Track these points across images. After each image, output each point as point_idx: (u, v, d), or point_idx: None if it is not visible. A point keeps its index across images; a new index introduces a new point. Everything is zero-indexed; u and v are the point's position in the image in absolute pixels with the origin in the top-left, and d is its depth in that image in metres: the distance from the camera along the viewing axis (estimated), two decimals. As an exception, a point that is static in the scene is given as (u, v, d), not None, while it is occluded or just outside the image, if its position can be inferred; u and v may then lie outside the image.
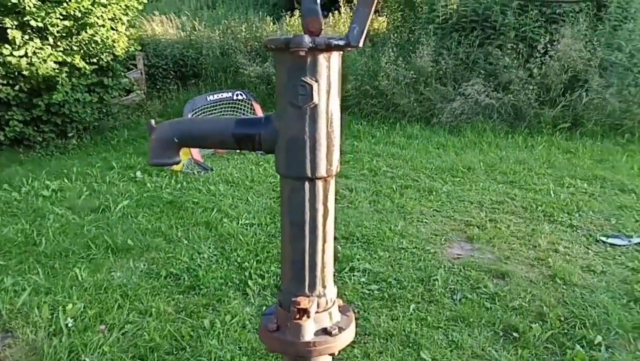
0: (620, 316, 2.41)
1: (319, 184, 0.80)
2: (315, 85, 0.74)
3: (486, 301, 2.62)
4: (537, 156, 5.07)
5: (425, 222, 3.68)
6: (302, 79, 0.74)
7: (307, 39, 0.71)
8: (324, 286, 0.85)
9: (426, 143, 5.86)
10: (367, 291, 2.73)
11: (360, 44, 0.75)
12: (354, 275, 2.90)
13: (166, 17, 10.55)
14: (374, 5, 0.73)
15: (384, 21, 9.57)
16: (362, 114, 7.14)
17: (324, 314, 0.85)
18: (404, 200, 4.10)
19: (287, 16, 10.38)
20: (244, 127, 0.83)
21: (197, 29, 9.91)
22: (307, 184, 0.79)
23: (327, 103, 0.77)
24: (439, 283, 2.77)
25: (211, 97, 5.78)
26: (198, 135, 0.86)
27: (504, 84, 6.33)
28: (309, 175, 0.78)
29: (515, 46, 6.34)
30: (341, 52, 0.79)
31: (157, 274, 2.93)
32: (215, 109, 5.74)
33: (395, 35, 8.05)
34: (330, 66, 0.76)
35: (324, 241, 0.83)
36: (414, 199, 4.12)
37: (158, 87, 8.76)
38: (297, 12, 10.57)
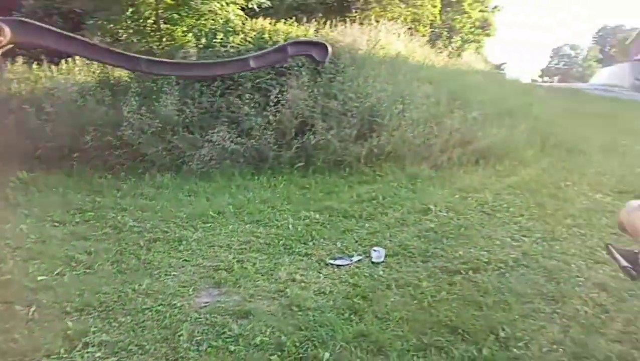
0: (343, 329, 2.74)
1: None
2: None
3: (231, 344, 2.65)
4: (279, 194, 5.54)
5: (174, 275, 3.57)
6: None
7: None
8: None
9: (177, 191, 5.78)
10: (103, 366, 2.46)
11: None
12: (87, 352, 2.58)
13: None
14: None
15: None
16: (106, 167, 6.64)
17: None
18: (151, 255, 3.91)
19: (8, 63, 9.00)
20: None
21: None
22: None
23: None
24: (184, 338, 2.69)
25: None
26: None
27: (246, 130, 6.78)
28: None
29: (252, 96, 6.90)
30: None
31: None
32: None
33: (137, 84, 7.82)
34: None
35: None
36: (163, 252, 3.97)
37: None
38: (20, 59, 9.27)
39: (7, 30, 1.35)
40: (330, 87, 7.25)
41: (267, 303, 3.10)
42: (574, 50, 73.63)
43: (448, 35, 20.12)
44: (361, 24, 11.33)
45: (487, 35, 24.85)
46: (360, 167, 6.47)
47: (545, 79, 51.99)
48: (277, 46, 1.84)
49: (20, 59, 8.83)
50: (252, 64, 1.80)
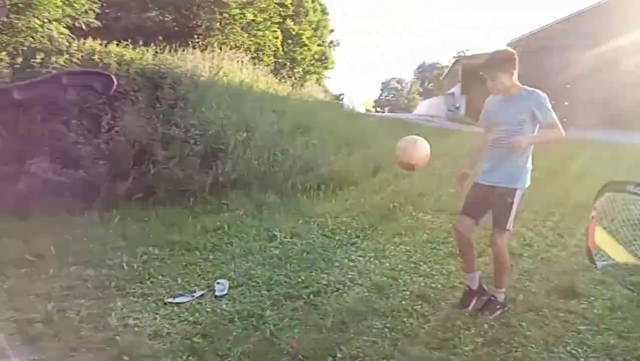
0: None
1: None
2: None
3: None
4: (112, 230, 5.07)
5: (-27, 336, 2.98)
6: None
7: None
8: None
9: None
10: None
11: None
12: None
13: None
14: None
15: None
16: None
17: None
18: (-58, 314, 3.21)
19: None
20: None
21: None
22: None
23: None
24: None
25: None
26: None
27: (74, 159, 6.12)
28: None
29: (80, 122, 6.27)
30: None
31: None
32: None
33: None
34: None
35: None
36: (-41, 309, 3.30)
37: None
38: None
39: None
40: (171, 113, 6.98)
41: (93, 356, 2.77)
42: (399, 83, 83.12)
43: (291, 65, 21.08)
44: (203, 50, 11.25)
45: (326, 67, 26.72)
46: (206, 196, 6.29)
47: (378, 109, 57.53)
48: (49, 75, 1.63)
49: None
50: (15, 95, 1.51)
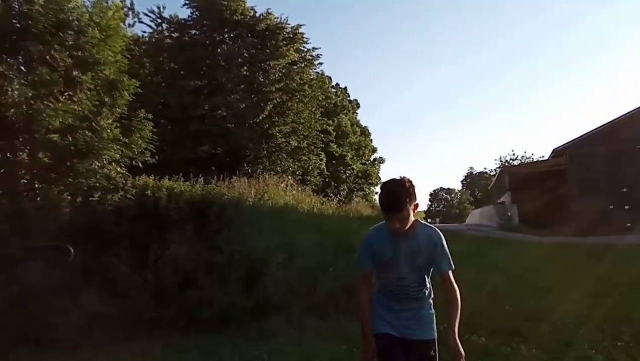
0: None
1: None
2: None
3: None
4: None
5: None
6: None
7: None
8: None
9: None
10: None
11: None
12: None
13: None
14: None
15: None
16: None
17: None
18: None
19: None
20: None
21: None
22: None
23: None
24: None
25: None
26: None
27: (123, 290, 6.32)
28: None
29: (129, 254, 6.59)
30: None
31: None
32: None
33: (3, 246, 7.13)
34: None
35: None
36: None
37: None
38: None
39: None
40: (215, 239, 7.22)
41: None
42: (448, 194, 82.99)
43: (336, 184, 21.78)
44: (250, 177, 11.95)
45: (370, 184, 27.38)
46: (247, 321, 6.19)
47: (429, 220, 56.98)
48: (1, 251, 1.71)
49: None
50: None
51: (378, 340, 2.54)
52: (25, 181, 7.92)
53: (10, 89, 7.15)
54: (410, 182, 2.45)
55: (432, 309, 2.66)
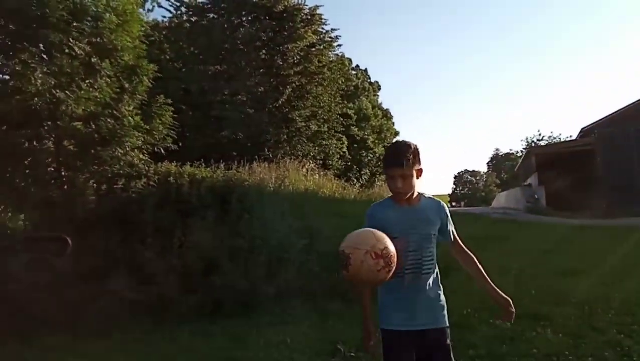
0: None
1: None
2: None
3: None
4: (181, 346, 5.09)
5: None
6: None
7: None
8: None
9: (67, 355, 5.09)
10: None
11: None
12: None
13: None
14: None
15: (20, 220, 8.67)
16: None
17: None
18: None
19: None
20: None
21: None
22: None
23: None
24: None
25: None
26: None
27: (149, 276, 6.41)
28: None
29: (154, 240, 6.67)
30: None
31: None
32: None
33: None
34: None
35: None
36: None
37: None
38: None
39: None
40: (237, 226, 7.24)
41: None
42: (474, 177, 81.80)
43: (358, 168, 21.65)
44: (271, 162, 11.94)
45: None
46: (271, 306, 6.22)
47: (454, 203, 56.39)
48: (3, 244, 1.67)
49: None
50: None
51: (385, 336, 2.37)
52: (52, 169, 8.07)
53: (33, 78, 7.23)
54: (416, 145, 2.36)
55: (443, 294, 2.46)
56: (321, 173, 13.34)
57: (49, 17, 7.49)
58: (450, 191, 79.16)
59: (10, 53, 7.70)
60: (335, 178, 14.63)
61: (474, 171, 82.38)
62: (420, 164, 2.34)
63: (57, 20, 7.55)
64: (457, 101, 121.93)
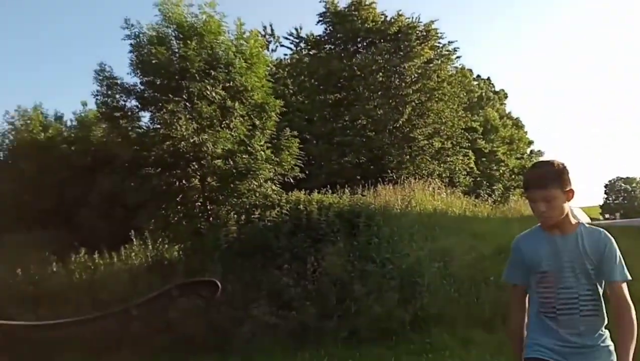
0: None
1: None
2: None
3: None
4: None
5: None
6: None
7: None
8: None
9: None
10: None
11: None
12: None
13: None
14: None
15: (175, 250, 9.69)
16: (148, 348, 6.54)
17: None
18: None
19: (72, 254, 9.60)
20: None
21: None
22: None
23: None
24: None
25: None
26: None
27: (287, 301, 6.68)
28: None
29: (290, 266, 6.96)
30: None
31: None
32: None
33: (183, 265, 8.13)
34: None
35: None
36: None
37: None
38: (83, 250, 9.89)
39: None
40: (367, 249, 7.24)
41: None
42: (628, 184, 71.85)
43: (488, 183, 20.39)
44: (395, 183, 11.81)
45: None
46: (407, 333, 6.06)
47: (607, 216, 49.96)
48: (160, 291, 1.82)
49: (82, 250, 9.55)
50: (134, 311, 1.76)
51: None
52: (199, 204, 8.98)
53: (178, 125, 8.19)
54: (563, 164, 2.02)
55: (609, 340, 2.00)
56: (448, 191, 12.82)
57: (189, 70, 8.48)
58: (601, 202, 70.48)
59: (159, 104, 8.83)
60: (465, 196, 13.93)
61: (628, 178, 72.31)
62: (569, 185, 2.00)
63: (196, 71, 8.51)
64: (600, 99, 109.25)
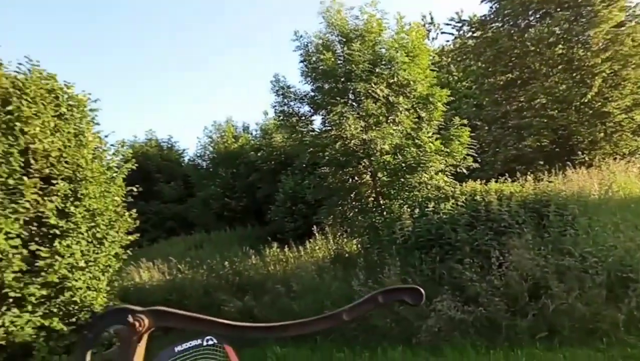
0: None
1: None
2: None
3: None
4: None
5: None
6: None
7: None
8: None
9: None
10: None
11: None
12: None
13: (152, 263, 10.97)
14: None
15: (354, 244, 10.08)
16: (343, 339, 6.89)
17: None
18: None
19: (266, 248, 10.76)
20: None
21: (182, 271, 10.21)
22: None
23: None
24: None
25: (179, 348, 5.57)
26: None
27: (472, 296, 6.36)
28: None
29: (472, 260, 6.60)
30: None
31: None
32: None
33: (362, 258, 8.39)
34: None
35: None
36: None
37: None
38: (275, 244, 10.97)
39: (146, 320, 1.81)
40: (561, 241, 6.48)
41: None
42: None
43: None
44: (590, 166, 10.37)
45: None
46: (622, 335, 5.23)
47: None
48: (367, 297, 1.93)
49: (275, 244, 10.62)
50: (345, 317, 1.93)
51: None
52: (372, 199, 9.17)
53: (347, 125, 8.47)
54: None
55: None
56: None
57: (354, 71, 8.71)
58: None
59: (329, 107, 9.27)
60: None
61: None
62: None
63: (361, 72, 8.70)
64: None
